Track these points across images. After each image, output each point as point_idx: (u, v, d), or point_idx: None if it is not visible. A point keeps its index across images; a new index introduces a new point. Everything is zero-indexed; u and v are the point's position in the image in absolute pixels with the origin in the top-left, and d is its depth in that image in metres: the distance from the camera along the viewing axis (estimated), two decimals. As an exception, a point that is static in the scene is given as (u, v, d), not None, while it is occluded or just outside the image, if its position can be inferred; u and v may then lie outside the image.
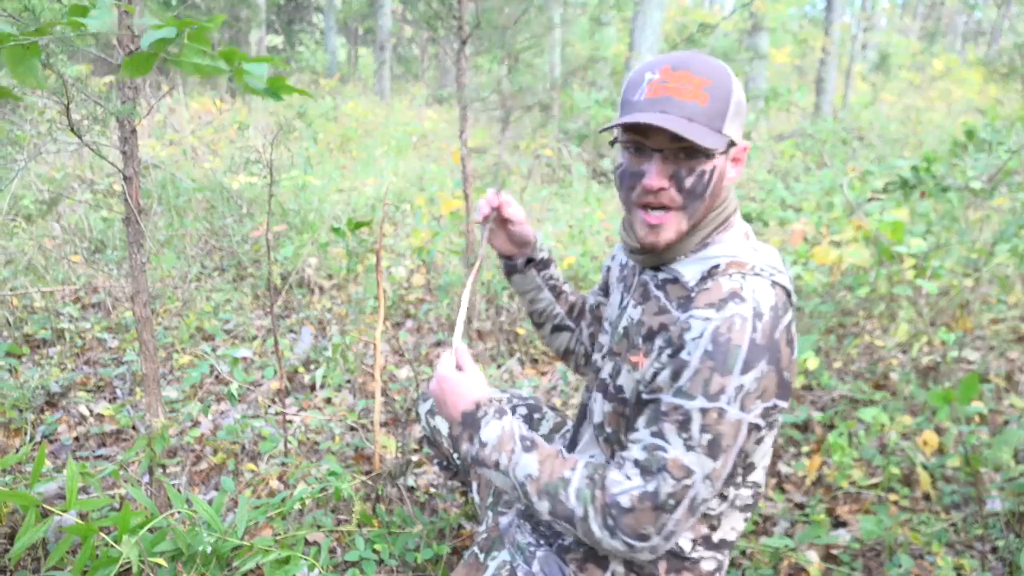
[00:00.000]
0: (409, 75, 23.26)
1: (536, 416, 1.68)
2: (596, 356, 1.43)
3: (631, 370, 1.23)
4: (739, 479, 1.22)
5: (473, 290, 3.24)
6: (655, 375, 1.14)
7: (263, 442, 2.30)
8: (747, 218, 3.66)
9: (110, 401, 2.87)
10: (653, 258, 1.25)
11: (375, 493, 2.04)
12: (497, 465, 1.22)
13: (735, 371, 1.05)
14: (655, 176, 1.14)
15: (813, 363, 2.45)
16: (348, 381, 3.06)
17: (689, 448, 1.07)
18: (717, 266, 1.16)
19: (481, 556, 1.42)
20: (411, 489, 2.32)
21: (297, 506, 1.91)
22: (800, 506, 2.37)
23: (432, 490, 2.32)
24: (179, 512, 1.57)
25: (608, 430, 1.30)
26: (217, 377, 3.12)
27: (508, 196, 1.50)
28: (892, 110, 12.49)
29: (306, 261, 4.07)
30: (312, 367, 3.16)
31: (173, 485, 2.12)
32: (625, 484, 1.11)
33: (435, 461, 1.92)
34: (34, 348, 3.23)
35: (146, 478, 1.91)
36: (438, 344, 3.56)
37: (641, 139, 1.14)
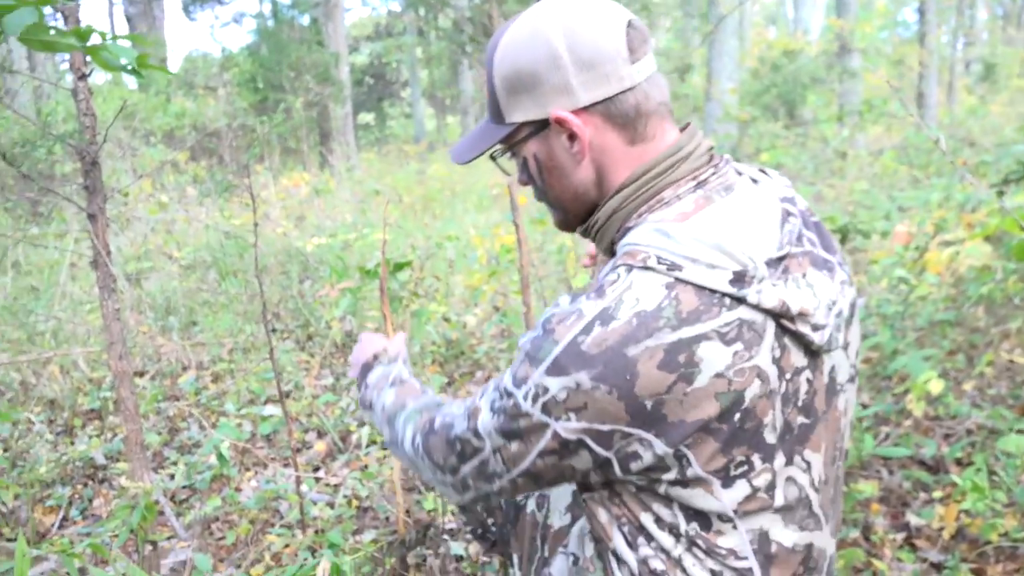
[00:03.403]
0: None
1: None
2: None
3: None
4: (683, 531, 0.98)
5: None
6: None
7: (291, 511, 2.05)
8: (843, 231, 3.21)
9: (156, 470, 2.71)
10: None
11: (402, 563, 1.74)
12: (371, 405, 1.25)
13: (540, 367, 0.93)
14: (517, 175, 1.15)
15: (936, 386, 2.00)
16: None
17: (493, 412, 1.00)
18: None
19: None
20: (459, 559, 2.00)
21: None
22: (937, 567, 1.91)
23: (483, 559, 2.00)
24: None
25: None
26: (269, 439, 2.95)
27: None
28: (1004, 119, 11.47)
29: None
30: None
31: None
32: (447, 409, 1.10)
33: (469, 529, 1.60)
34: (87, 420, 3.13)
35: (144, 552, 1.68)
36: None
37: None
